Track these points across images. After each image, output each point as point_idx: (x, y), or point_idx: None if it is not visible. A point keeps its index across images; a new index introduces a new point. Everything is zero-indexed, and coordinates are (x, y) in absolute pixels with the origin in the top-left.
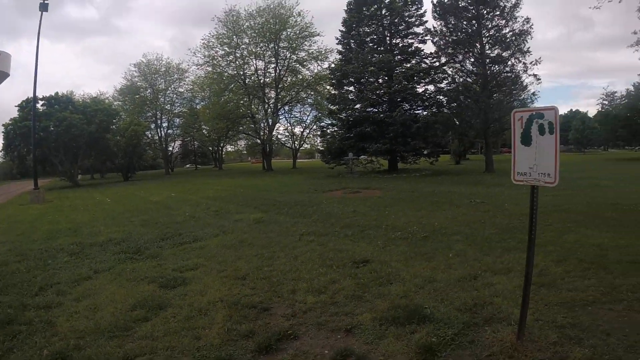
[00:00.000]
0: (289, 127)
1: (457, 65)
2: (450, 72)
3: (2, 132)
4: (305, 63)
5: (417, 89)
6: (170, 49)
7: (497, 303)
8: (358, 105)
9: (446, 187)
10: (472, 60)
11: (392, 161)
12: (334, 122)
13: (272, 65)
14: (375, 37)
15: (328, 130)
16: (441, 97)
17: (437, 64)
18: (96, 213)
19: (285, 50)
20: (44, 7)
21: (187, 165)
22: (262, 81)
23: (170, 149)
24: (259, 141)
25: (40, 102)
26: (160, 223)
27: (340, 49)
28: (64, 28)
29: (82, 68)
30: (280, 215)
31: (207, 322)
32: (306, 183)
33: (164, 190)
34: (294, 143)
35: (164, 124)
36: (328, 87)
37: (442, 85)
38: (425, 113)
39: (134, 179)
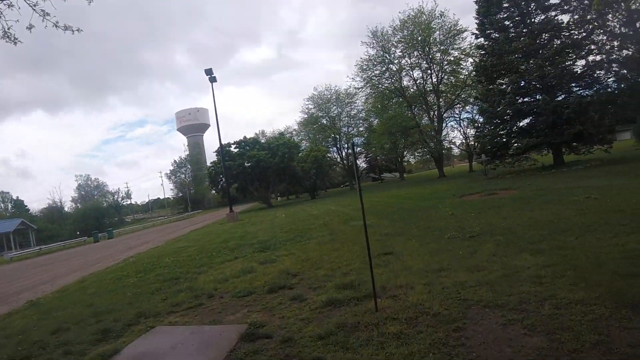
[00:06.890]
0: (461, 130)
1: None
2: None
3: (207, 172)
4: (460, 62)
5: (575, 68)
6: (345, 68)
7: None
8: (505, 99)
9: (591, 181)
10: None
11: (556, 154)
12: (485, 120)
13: (429, 72)
14: (513, 21)
15: (485, 130)
16: (601, 72)
17: (584, 33)
18: (264, 225)
19: (438, 53)
20: (212, 79)
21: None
22: (422, 89)
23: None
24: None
25: (233, 146)
26: (296, 229)
27: (483, 41)
28: (246, 71)
29: (270, 105)
30: (384, 220)
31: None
32: (453, 188)
33: (328, 205)
34: (468, 145)
35: (345, 145)
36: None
37: (598, 57)
38: (588, 93)
39: (319, 196)
